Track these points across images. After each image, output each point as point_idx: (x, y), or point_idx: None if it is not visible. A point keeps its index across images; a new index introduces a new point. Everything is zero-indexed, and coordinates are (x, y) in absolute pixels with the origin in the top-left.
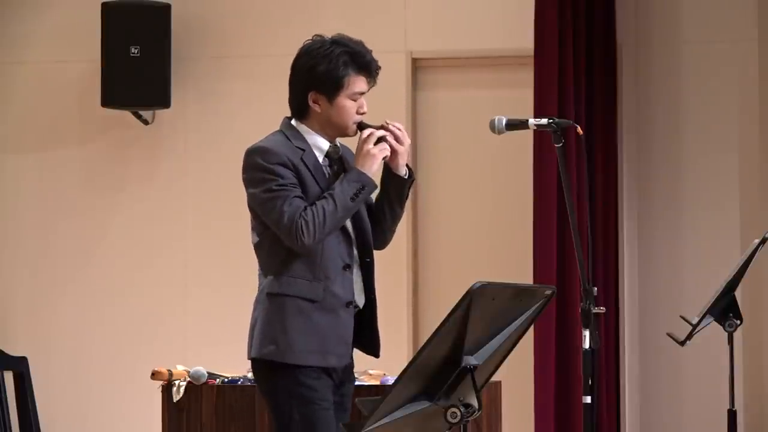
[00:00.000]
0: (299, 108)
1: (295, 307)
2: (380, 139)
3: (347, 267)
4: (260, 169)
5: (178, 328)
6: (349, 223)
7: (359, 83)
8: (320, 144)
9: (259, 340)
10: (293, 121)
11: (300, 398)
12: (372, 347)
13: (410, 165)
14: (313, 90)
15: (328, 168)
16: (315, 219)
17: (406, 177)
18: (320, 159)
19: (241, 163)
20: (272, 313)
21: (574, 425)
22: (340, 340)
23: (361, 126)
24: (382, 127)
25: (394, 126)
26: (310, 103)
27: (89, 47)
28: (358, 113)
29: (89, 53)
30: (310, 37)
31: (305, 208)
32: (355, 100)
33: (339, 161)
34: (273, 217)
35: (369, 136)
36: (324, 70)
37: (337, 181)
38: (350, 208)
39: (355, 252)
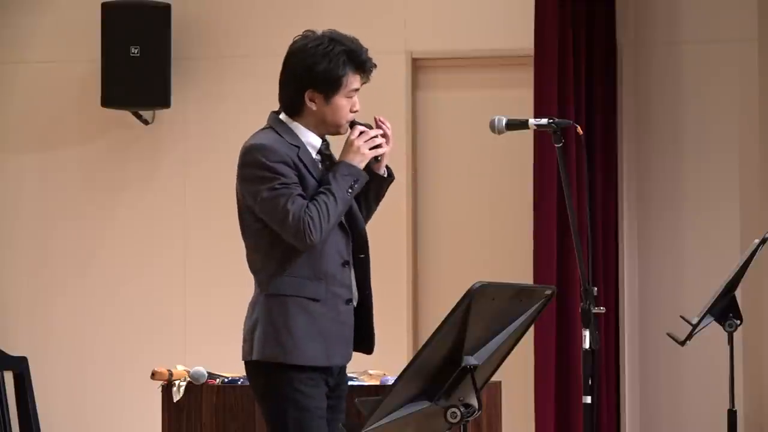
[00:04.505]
0: (292, 105)
1: (298, 307)
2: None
3: (346, 263)
4: (262, 167)
5: (178, 328)
6: (343, 219)
7: (355, 82)
8: (312, 141)
9: (261, 341)
10: (282, 117)
11: (295, 404)
12: (366, 344)
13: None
14: (311, 88)
15: (320, 164)
16: (320, 215)
17: (385, 176)
18: (313, 155)
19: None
20: (275, 314)
21: (574, 425)
22: (343, 339)
23: (353, 124)
24: (374, 126)
25: (385, 125)
26: (306, 101)
27: (89, 47)
28: (351, 111)
29: (89, 53)
30: (300, 33)
31: (308, 205)
32: (350, 98)
33: (329, 157)
34: (277, 216)
35: (361, 133)
36: (323, 69)
37: (329, 175)
38: (347, 201)
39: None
